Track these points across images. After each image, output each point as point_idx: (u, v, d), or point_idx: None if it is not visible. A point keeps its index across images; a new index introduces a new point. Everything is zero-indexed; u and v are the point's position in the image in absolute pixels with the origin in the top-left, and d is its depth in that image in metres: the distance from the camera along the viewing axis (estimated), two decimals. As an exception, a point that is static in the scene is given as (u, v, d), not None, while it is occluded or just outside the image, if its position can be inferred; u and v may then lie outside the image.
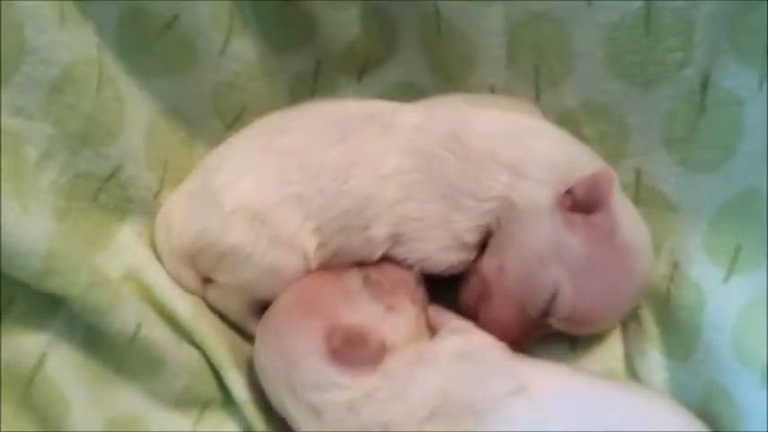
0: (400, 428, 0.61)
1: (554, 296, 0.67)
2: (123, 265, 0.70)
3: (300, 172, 0.70)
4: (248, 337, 0.74)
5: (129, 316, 0.65)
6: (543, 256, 0.67)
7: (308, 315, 0.66)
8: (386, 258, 0.72)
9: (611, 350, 0.74)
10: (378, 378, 0.63)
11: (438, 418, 0.61)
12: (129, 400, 0.68)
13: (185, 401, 0.71)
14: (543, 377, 0.64)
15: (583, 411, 0.61)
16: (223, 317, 0.74)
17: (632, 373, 0.73)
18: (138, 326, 0.65)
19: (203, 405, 0.72)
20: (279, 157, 0.70)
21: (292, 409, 0.64)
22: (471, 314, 0.72)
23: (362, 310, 0.66)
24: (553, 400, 0.61)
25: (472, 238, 0.71)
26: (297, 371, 0.64)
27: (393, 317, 0.67)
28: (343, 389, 0.62)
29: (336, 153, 0.70)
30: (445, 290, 0.74)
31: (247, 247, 0.69)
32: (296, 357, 0.64)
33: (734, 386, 0.63)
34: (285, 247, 0.69)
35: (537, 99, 0.77)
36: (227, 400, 0.72)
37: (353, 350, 0.63)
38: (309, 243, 0.70)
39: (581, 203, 0.66)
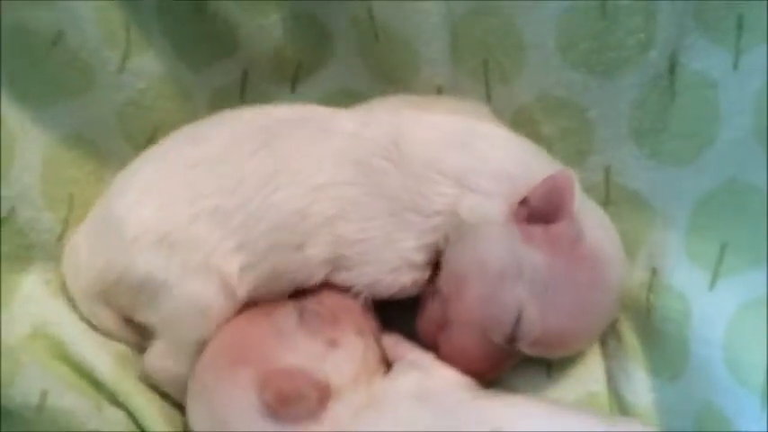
0: None
1: (518, 319, 0.59)
2: (30, 321, 0.62)
3: (215, 182, 0.61)
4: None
5: (31, 383, 0.57)
6: (503, 273, 0.59)
7: (235, 365, 0.57)
8: (330, 286, 0.64)
9: (591, 372, 0.66)
10: (321, 428, 0.55)
11: None
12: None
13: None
14: (518, 418, 0.55)
15: None
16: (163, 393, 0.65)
17: (616, 395, 0.65)
18: (44, 395, 0.57)
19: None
20: (189, 169, 0.62)
21: None
22: (431, 344, 0.64)
23: (299, 349, 0.58)
24: None
25: (421, 257, 0.63)
26: (230, 430, 0.56)
27: (336, 353, 0.59)
28: None
29: (259, 161, 0.62)
30: (401, 313, 0.66)
31: (159, 274, 0.60)
32: (226, 417, 0.56)
33: (730, 409, 0.55)
34: (201, 272, 0.60)
35: (488, 98, 0.70)
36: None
37: (290, 404, 0.55)
38: (230, 264, 0.61)
39: (539, 213, 0.59)
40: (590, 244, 0.59)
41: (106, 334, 0.64)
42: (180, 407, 0.64)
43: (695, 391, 0.58)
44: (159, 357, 0.63)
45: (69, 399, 0.59)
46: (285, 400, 0.54)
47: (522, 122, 0.68)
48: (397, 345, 0.65)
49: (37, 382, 0.57)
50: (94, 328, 0.64)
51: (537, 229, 0.59)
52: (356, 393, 0.57)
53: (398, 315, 0.66)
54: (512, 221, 0.59)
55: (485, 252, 0.60)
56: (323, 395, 0.56)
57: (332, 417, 0.56)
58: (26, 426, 0.57)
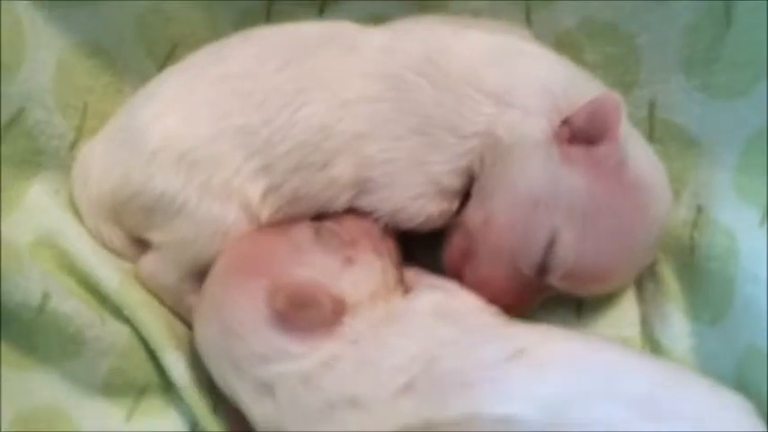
0: (369, 403, 0.50)
1: (551, 247, 0.55)
2: (35, 229, 0.59)
3: (240, 100, 0.58)
4: (188, 323, 0.62)
5: (33, 283, 0.54)
6: (537, 198, 0.55)
7: (248, 276, 0.54)
8: (352, 212, 0.61)
9: (625, 315, 0.63)
10: (337, 344, 0.52)
11: (418, 389, 0.50)
12: (45, 387, 0.58)
13: (115, 388, 0.60)
14: (544, 341, 0.52)
15: (598, 384, 0.48)
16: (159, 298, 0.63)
17: (651, 340, 0.61)
18: (46, 296, 0.55)
19: (138, 392, 0.61)
20: (213, 85, 0.59)
21: (240, 390, 0.53)
22: (457, 276, 0.60)
23: (314, 264, 0.55)
24: (559, 367, 0.49)
25: (453, 182, 0.59)
26: (240, 342, 0.53)
27: (353, 270, 0.55)
28: (296, 358, 0.52)
29: (285, 77, 0.59)
30: (425, 252, 0.63)
31: (177, 195, 0.57)
32: (237, 326, 0.53)
33: (777, 350, 0.51)
34: (221, 195, 0.58)
35: (528, 22, 0.66)
36: (167, 385, 0.61)
37: (302, 311, 0.51)
38: (254, 187, 0.58)
39: (582, 134, 0.55)
40: (634, 171, 0.55)
41: (110, 251, 0.62)
42: (187, 323, 0.61)
43: (738, 333, 0.55)
44: (158, 265, 0.61)
45: (71, 304, 0.56)
46: (297, 305, 0.51)
47: (563, 49, 0.63)
48: (417, 274, 0.61)
49: (39, 284, 0.55)
50: (101, 243, 0.62)
51: (578, 151, 0.55)
52: (374, 310, 0.54)
53: (422, 256, 0.63)
54: (552, 141, 0.55)
55: (520, 173, 0.56)
56: (337, 307, 0.52)
57: (348, 332, 0.52)
58: (25, 327, 0.55)
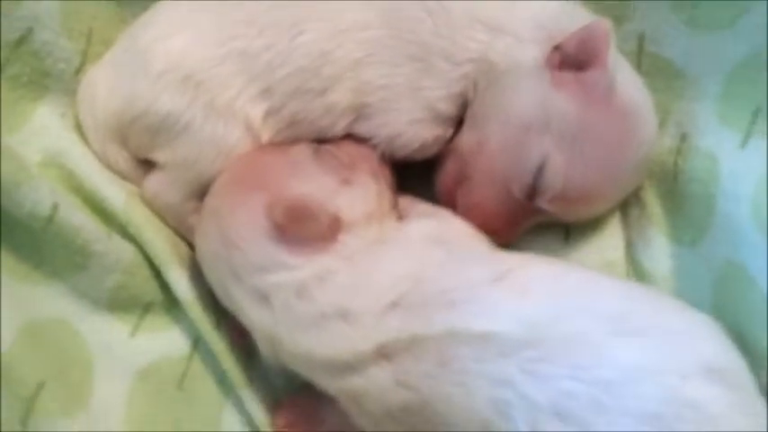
0: (359, 316, 0.52)
1: (542, 170, 0.57)
2: (42, 150, 0.61)
3: (244, 26, 0.60)
4: (190, 244, 0.64)
5: (42, 194, 0.56)
6: (529, 122, 0.57)
7: (248, 189, 0.56)
8: (349, 138, 0.63)
9: (610, 240, 0.65)
10: (331, 258, 0.54)
11: (406, 306, 0.52)
12: (53, 300, 0.60)
13: (121, 303, 0.62)
14: (528, 265, 0.54)
15: (576, 302, 0.51)
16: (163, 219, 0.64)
17: (634, 263, 0.64)
18: (55, 207, 0.56)
19: (143, 309, 0.63)
20: (216, 11, 0.60)
21: (239, 298, 0.55)
22: (449, 203, 0.62)
23: (312, 181, 0.57)
24: (541, 289, 0.52)
25: (447, 108, 0.61)
26: (239, 253, 0.55)
27: (350, 191, 0.57)
28: (291, 269, 0.54)
29: (287, 4, 0.60)
30: (418, 184, 0.65)
31: (182, 114, 0.59)
32: (237, 238, 0.55)
33: (753, 263, 0.53)
34: (225, 115, 0.60)
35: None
36: (171, 302, 0.63)
37: (300, 224, 0.54)
38: (255, 109, 0.60)
39: (572, 59, 0.57)
40: (622, 97, 0.57)
41: (116, 173, 0.63)
42: (190, 244, 0.64)
43: (717, 251, 0.57)
44: (162, 185, 0.62)
45: (79, 218, 0.58)
46: (294, 218, 0.53)
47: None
48: (412, 202, 0.64)
49: (48, 195, 0.56)
50: (107, 165, 0.63)
51: (569, 76, 0.57)
52: (368, 231, 0.56)
53: (415, 188, 0.65)
54: (544, 67, 0.58)
55: (513, 98, 0.58)
56: (333, 224, 0.54)
57: (342, 249, 0.54)
58: (33, 239, 0.57)
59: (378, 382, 0.52)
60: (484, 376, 0.49)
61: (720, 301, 0.56)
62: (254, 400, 0.60)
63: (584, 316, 0.49)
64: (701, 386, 0.46)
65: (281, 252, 0.54)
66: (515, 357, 0.48)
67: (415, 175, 0.65)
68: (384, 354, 0.51)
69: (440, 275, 0.53)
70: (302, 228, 0.54)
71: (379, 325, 0.52)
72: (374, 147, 0.62)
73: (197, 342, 0.63)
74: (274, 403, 0.61)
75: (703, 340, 0.49)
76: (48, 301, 0.60)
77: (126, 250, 0.61)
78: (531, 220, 0.62)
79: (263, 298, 0.54)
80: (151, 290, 0.62)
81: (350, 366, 0.52)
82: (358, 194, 0.57)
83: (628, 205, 0.65)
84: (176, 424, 0.61)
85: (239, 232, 0.55)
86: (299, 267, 0.54)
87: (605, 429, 0.46)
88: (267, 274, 0.54)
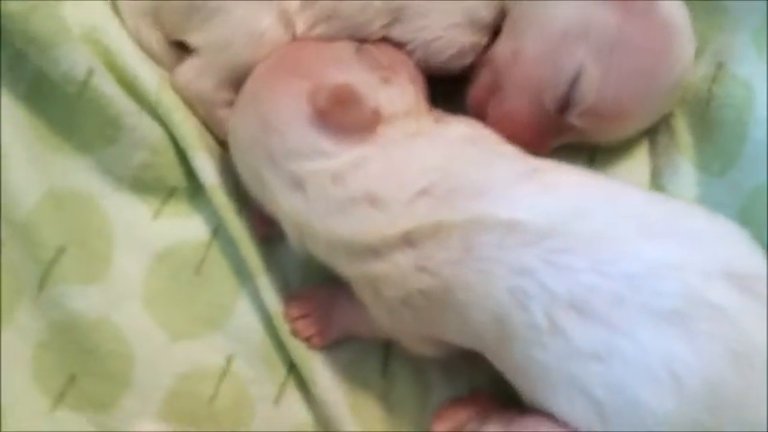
0: (388, 202, 0.52)
1: (576, 80, 0.57)
2: (79, 23, 0.60)
3: None
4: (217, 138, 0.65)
5: (79, 57, 0.56)
6: (567, 31, 0.57)
7: (290, 76, 0.56)
8: (385, 41, 0.63)
9: (636, 166, 0.65)
10: (368, 147, 0.54)
11: (434, 195, 0.52)
12: (80, 173, 0.61)
13: (145, 184, 0.62)
14: (558, 168, 0.54)
15: (602, 202, 0.51)
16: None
17: (659, 191, 0.63)
18: (90, 72, 0.56)
19: (167, 193, 0.63)
20: None
21: (272, 183, 0.55)
22: (480, 114, 0.62)
23: (354, 75, 0.57)
24: (567, 187, 0.52)
25: (485, 14, 0.61)
26: (278, 137, 0.55)
27: (389, 89, 0.57)
28: (330, 157, 0.54)
29: None
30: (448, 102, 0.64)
31: None
32: (277, 122, 0.55)
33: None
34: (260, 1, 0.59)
35: None
36: (195, 190, 0.63)
37: (343, 110, 0.54)
38: None
39: (616, -31, 0.57)
40: (664, 13, 0.57)
41: (149, 55, 0.63)
42: (217, 138, 0.64)
43: (745, 180, 0.57)
44: (195, 72, 0.62)
45: (113, 88, 0.58)
46: (338, 103, 0.53)
47: None
48: (443, 114, 0.64)
49: (85, 59, 0.56)
50: (141, 47, 0.63)
51: (611, -14, 0.57)
52: (406, 125, 0.56)
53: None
54: (586, -25, 0.57)
55: (553, 6, 0.58)
56: (374, 115, 0.54)
57: (380, 139, 0.55)
58: (66, 106, 0.57)
59: (400, 268, 0.52)
60: (505, 264, 0.49)
61: (746, 228, 0.56)
62: (270, 289, 0.61)
63: (609, 214, 0.50)
64: (723, 289, 0.46)
65: (321, 139, 0.54)
66: (538, 247, 0.49)
67: (443, 100, 0.65)
68: (409, 240, 0.52)
69: (470, 169, 0.53)
70: (345, 114, 0.54)
71: (406, 212, 0.52)
72: (410, 53, 0.62)
73: (217, 230, 0.63)
74: (289, 296, 0.62)
75: (729, 244, 0.49)
76: (75, 173, 0.60)
77: (155, 129, 0.61)
78: (559, 138, 0.62)
79: (298, 184, 0.54)
80: (176, 175, 0.63)
81: (374, 251, 0.53)
82: (397, 93, 0.57)
83: (656, 132, 0.65)
84: (192, 307, 0.62)
85: (280, 116, 0.55)
86: (336, 155, 0.54)
87: (622, 323, 0.46)
88: (305, 160, 0.54)
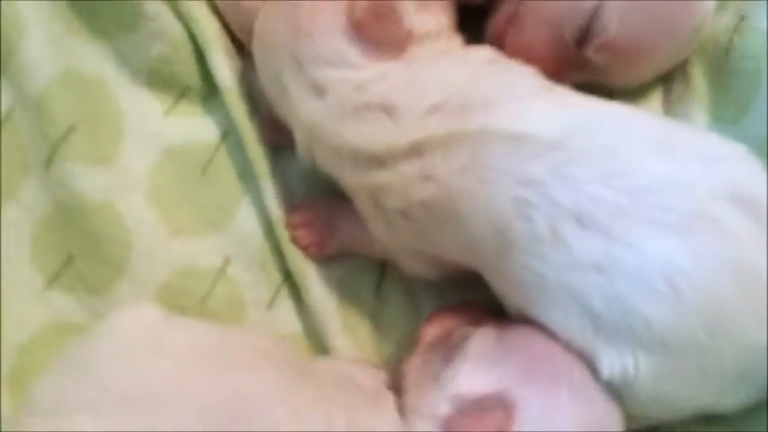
0: (403, 113, 0.52)
1: (598, 11, 0.57)
2: None
3: None
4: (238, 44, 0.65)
5: None
6: None
7: None
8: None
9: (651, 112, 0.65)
10: (396, 64, 0.54)
11: (446, 110, 0.52)
12: (97, 58, 0.61)
13: (160, 80, 0.63)
14: (573, 92, 0.55)
15: (614, 120, 0.51)
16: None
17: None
18: None
19: (180, 92, 0.64)
20: None
21: (292, 87, 0.55)
22: (498, 45, 0.62)
23: None
24: (581, 105, 0.52)
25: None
26: (309, 42, 0.55)
27: (425, 13, 0.57)
28: (356, 69, 0.54)
29: None
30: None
31: None
32: (311, 27, 0.55)
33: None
34: None
35: None
36: (208, 92, 0.64)
37: (378, 25, 0.53)
38: None
39: None
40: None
41: None
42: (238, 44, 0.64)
43: (758, 130, 0.57)
44: None
45: None
46: (375, 17, 0.53)
47: None
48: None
49: None
50: None
51: None
52: (435, 45, 0.56)
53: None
54: None
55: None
56: (408, 34, 0.55)
57: (408, 58, 0.55)
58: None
59: (404, 177, 0.52)
60: (512, 174, 0.49)
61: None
62: (273, 195, 0.61)
63: (621, 130, 0.50)
64: (729, 209, 0.47)
65: (351, 50, 0.54)
66: (546, 159, 0.49)
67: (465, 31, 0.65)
68: (416, 150, 0.52)
69: (485, 84, 0.53)
70: (380, 29, 0.54)
71: (418, 124, 0.52)
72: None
73: (227, 134, 0.64)
74: (291, 205, 0.62)
75: (739, 169, 0.49)
76: (92, 58, 0.61)
77: (174, 24, 0.61)
78: (576, 74, 0.62)
79: (320, 90, 0.54)
80: (191, 73, 0.63)
81: (380, 160, 0.53)
82: (431, 18, 0.57)
83: (672, 80, 0.65)
84: (194, 206, 0.62)
85: (315, 22, 0.55)
86: (362, 68, 0.54)
87: (624, 235, 0.46)
88: (331, 68, 0.54)
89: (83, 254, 0.60)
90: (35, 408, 0.51)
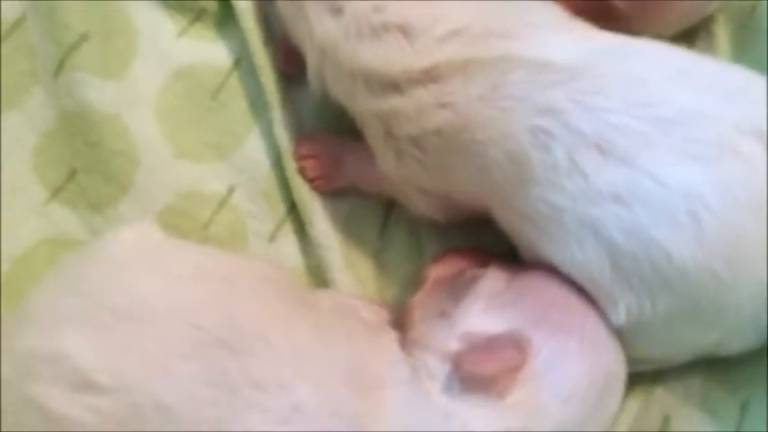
0: (420, 35, 0.51)
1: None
2: None
3: None
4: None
5: None
6: None
7: None
8: None
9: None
10: None
11: (466, 35, 0.51)
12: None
13: (176, 1, 0.61)
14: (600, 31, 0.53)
15: (639, 51, 0.50)
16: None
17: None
18: None
19: (195, 14, 0.63)
20: None
21: (310, 6, 0.54)
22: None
23: None
24: (605, 37, 0.51)
25: None
26: None
27: None
28: None
29: None
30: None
31: None
32: None
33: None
34: None
35: None
36: (223, 16, 0.63)
37: None
38: None
39: None
40: None
41: None
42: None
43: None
44: None
45: None
46: None
47: None
48: None
49: None
50: None
51: None
52: None
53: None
54: None
55: None
56: None
57: None
58: None
59: (419, 103, 0.51)
60: (531, 103, 0.48)
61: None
62: (283, 125, 0.60)
63: (646, 62, 0.49)
64: (754, 144, 0.45)
65: None
66: (567, 87, 0.48)
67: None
68: (433, 76, 0.51)
69: (509, 14, 0.52)
70: None
71: (436, 47, 0.51)
72: None
73: (239, 60, 0.63)
74: (300, 135, 0.61)
75: (764, 103, 0.48)
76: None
77: None
78: (599, 24, 0.61)
79: (337, 10, 0.53)
80: (207, -8, 0.62)
81: (394, 85, 0.52)
82: None
83: (696, 38, 0.64)
84: (202, 130, 0.61)
85: None
86: None
87: (646, 164, 0.45)
88: None
89: (87, 167, 0.59)
90: (27, 318, 0.50)
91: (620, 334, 0.50)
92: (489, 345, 0.48)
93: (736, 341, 0.50)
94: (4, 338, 0.50)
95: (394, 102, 0.52)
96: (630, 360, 0.51)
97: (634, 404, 0.57)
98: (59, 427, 0.45)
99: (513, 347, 0.47)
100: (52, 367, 0.46)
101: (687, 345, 0.51)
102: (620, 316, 0.48)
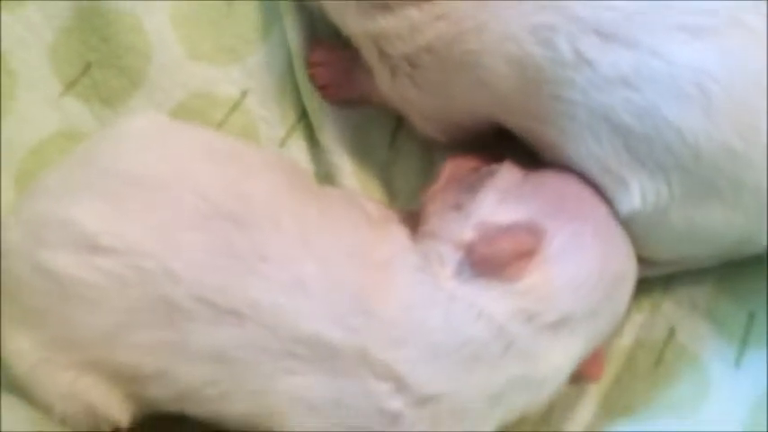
0: None
1: None
2: None
3: None
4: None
5: None
6: None
7: None
8: None
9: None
10: None
11: None
12: None
13: None
14: None
15: None
16: None
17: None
18: None
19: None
20: None
21: None
22: None
23: None
24: None
25: None
26: None
27: None
28: None
29: None
30: None
31: None
32: None
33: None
34: None
35: None
36: None
37: None
38: None
39: None
40: None
41: None
42: None
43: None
44: None
45: None
46: None
47: None
48: None
49: None
50: None
51: None
52: None
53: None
54: None
55: None
56: None
57: None
58: None
59: (412, 21, 0.51)
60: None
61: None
62: (296, 30, 0.60)
63: None
64: (757, 17, 0.45)
65: None
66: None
67: None
68: None
69: None
70: None
71: None
72: None
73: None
74: (315, 41, 0.61)
75: None
76: None
77: None
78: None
79: None
80: None
81: (384, 5, 0.51)
82: None
83: None
84: (217, 34, 0.61)
85: None
86: None
87: (651, 42, 0.45)
88: None
89: (101, 61, 0.59)
90: (40, 191, 0.50)
91: (640, 229, 0.50)
92: (504, 232, 0.48)
93: (759, 235, 0.49)
94: (15, 213, 0.50)
95: (384, 22, 0.52)
96: (649, 262, 0.51)
97: (640, 316, 0.57)
98: (68, 289, 0.46)
99: (527, 233, 0.47)
100: (60, 231, 0.47)
101: (708, 238, 0.50)
102: (635, 201, 0.48)
